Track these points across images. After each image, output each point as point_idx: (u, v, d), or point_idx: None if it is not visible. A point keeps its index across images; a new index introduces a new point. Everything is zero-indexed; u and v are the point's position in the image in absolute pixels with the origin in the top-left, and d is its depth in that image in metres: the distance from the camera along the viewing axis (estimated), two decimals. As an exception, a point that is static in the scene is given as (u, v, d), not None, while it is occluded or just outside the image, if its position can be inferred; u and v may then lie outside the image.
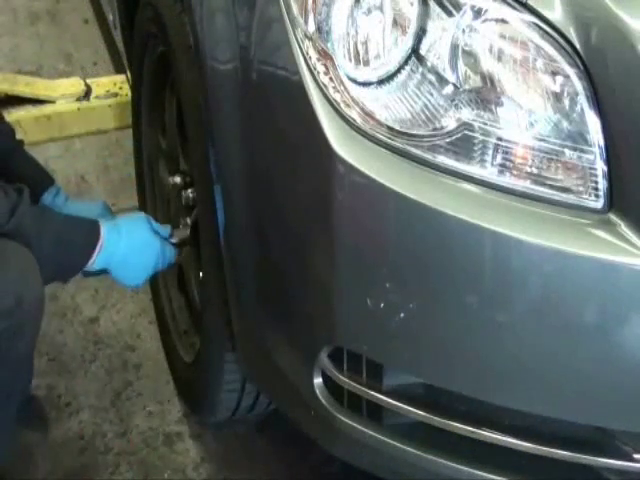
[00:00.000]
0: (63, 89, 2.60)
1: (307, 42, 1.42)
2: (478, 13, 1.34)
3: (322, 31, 1.40)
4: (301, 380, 1.60)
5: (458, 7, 1.34)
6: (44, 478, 2.00)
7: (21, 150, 2.00)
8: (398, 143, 1.37)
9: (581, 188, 1.33)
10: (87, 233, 1.72)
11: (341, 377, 1.53)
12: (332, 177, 1.39)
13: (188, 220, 2.00)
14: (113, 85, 2.63)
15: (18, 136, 2.00)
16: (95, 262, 1.72)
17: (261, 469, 2.03)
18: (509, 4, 1.33)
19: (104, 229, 1.73)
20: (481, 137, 1.34)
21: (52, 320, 2.31)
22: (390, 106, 1.39)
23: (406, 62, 1.38)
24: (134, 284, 1.85)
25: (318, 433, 1.68)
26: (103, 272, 1.78)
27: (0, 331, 1.53)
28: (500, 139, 1.34)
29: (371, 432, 1.54)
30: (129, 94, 2.48)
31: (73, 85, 2.62)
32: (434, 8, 1.35)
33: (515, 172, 1.34)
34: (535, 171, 1.34)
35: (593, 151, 1.32)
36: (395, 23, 1.38)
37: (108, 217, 1.87)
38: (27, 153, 2.01)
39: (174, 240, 1.89)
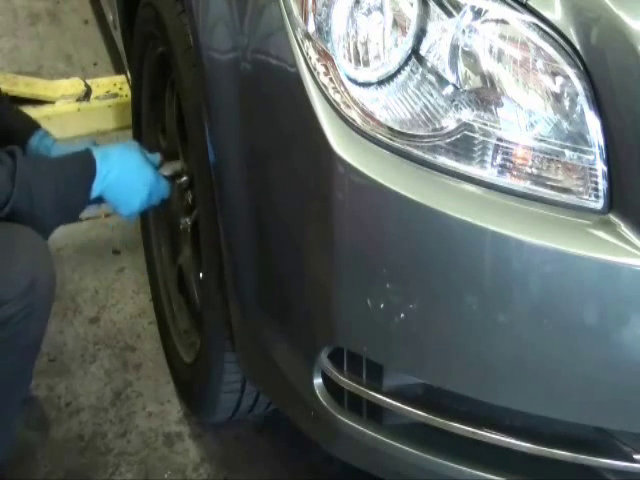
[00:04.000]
0: (63, 90, 2.59)
1: (307, 42, 1.42)
2: (478, 14, 1.34)
3: (322, 31, 1.40)
4: (301, 380, 1.60)
5: (458, 8, 1.34)
6: (44, 478, 1.99)
7: (3, 100, 2.02)
8: (398, 144, 1.37)
9: (581, 189, 1.33)
10: (82, 167, 1.71)
11: (341, 378, 1.53)
12: (332, 178, 1.39)
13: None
14: (113, 86, 2.63)
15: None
16: (92, 191, 1.72)
17: (261, 469, 2.03)
18: (509, 4, 1.33)
19: (97, 157, 1.72)
20: (481, 138, 1.34)
21: (52, 320, 2.28)
22: (390, 107, 1.39)
23: (406, 63, 1.38)
24: (128, 212, 1.83)
25: (318, 433, 1.68)
26: (100, 201, 1.78)
27: (16, 312, 1.57)
28: (500, 140, 1.34)
29: (371, 432, 1.54)
30: (129, 94, 2.48)
31: (73, 86, 2.61)
32: (434, 9, 1.35)
33: (515, 173, 1.34)
34: (535, 172, 1.34)
35: (593, 151, 1.32)
36: (395, 24, 1.38)
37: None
38: (8, 102, 2.03)
39: (165, 172, 1.90)
